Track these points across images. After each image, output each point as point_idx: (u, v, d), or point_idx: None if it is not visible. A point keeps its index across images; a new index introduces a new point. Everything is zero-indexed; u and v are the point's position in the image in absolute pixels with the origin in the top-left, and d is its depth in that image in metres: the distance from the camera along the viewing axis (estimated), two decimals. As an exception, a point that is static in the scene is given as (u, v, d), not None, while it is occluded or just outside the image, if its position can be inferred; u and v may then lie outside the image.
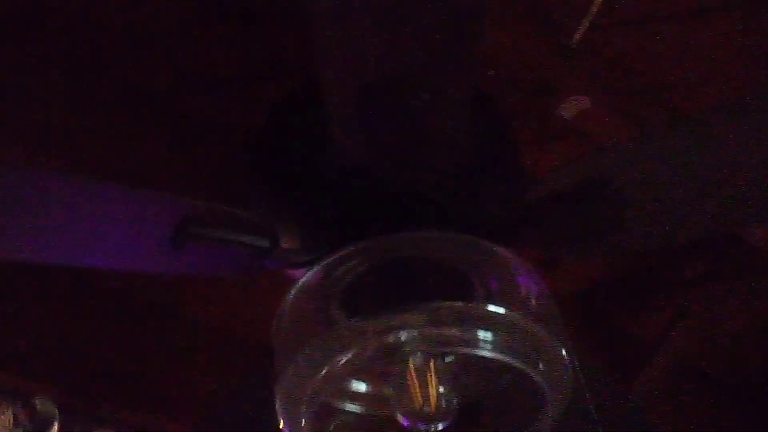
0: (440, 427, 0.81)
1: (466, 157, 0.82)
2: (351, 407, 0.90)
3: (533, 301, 0.78)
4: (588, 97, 1.19)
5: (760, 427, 1.78)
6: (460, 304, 0.75)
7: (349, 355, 0.74)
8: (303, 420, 0.77)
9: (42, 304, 1.53)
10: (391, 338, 0.74)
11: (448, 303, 0.74)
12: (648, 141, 0.91)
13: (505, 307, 0.75)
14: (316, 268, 0.81)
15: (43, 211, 0.75)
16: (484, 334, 0.73)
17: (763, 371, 1.58)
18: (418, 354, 0.79)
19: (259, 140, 0.94)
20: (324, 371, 0.74)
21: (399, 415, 0.82)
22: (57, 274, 1.50)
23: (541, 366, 0.75)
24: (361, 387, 0.91)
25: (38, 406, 1.86)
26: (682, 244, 1.66)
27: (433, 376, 0.81)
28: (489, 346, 0.73)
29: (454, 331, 0.73)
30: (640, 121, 1.27)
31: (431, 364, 0.81)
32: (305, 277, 0.82)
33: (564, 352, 0.75)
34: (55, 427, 1.90)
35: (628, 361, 1.76)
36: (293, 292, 0.82)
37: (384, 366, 0.83)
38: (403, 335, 0.73)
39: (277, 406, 0.78)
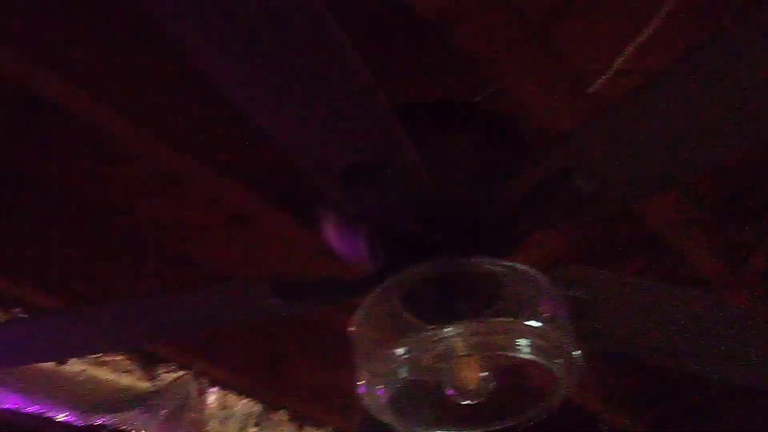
0: (477, 400, 1.10)
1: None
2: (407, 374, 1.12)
3: (552, 313, 1.05)
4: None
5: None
6: (505, 319, 1.02)
7: (422, 355, 1.01)
8: (383, 399, 1.04)
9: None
10: (452, 343, 1.00)
11: (495, 319, 1.02)
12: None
13: (534, 319, 1.02)
14: (388, 281, 1.06)
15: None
16: (521, 341, 1.00)
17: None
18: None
19: None
20: (403, 368, 1.00)
21: (447, 388, 1.10)
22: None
23: (561, 361, 1.02)
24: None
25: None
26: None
27: (476, 364, 1.08)
28: (524, 350, 1.00)
29: (500, 339, 1.00)
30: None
31: (477, 356, 1.07)
32: (379, 286, 1.07)
33: (577, 353, 1.02)
34: None
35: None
36: (370, 297, 1.07)
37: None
38: (463, 342, 1.00)
39: (360, 386, 1.04)
